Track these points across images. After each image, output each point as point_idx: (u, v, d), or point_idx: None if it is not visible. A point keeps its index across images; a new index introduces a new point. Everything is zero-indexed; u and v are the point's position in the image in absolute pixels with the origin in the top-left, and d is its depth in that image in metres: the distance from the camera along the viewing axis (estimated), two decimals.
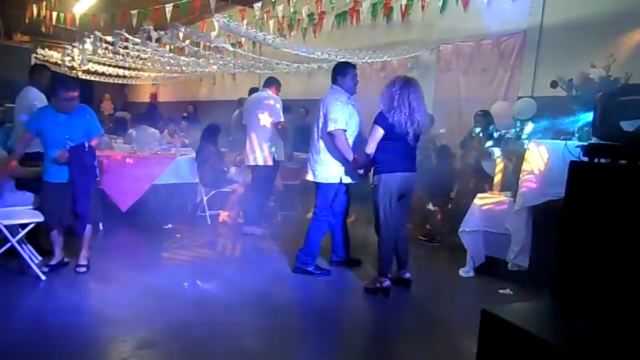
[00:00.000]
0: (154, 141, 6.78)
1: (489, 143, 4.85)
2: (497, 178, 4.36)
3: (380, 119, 3.64)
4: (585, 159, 2.16)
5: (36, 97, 4.95)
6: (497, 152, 4.63)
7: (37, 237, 4.02)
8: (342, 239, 4.38)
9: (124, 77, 11.30)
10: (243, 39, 6.86)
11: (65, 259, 3.93)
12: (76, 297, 3.48)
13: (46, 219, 3.71)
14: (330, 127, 3.86)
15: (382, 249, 3.72)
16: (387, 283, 3.67)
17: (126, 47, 7.09)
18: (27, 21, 9.29)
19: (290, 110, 6.97)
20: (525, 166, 3.77)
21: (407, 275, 3.88)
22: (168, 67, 9.10)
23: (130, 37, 6.15)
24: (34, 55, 10.20)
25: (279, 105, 5.37)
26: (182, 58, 7.97)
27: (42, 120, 3.70)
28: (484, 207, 4.18)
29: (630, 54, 4.61)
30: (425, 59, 7.04)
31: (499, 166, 4.40)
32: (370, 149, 3.68)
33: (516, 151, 4.18)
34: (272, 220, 6.06)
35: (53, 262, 3.83)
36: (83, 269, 3.85)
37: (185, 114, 8.36)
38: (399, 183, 3.67)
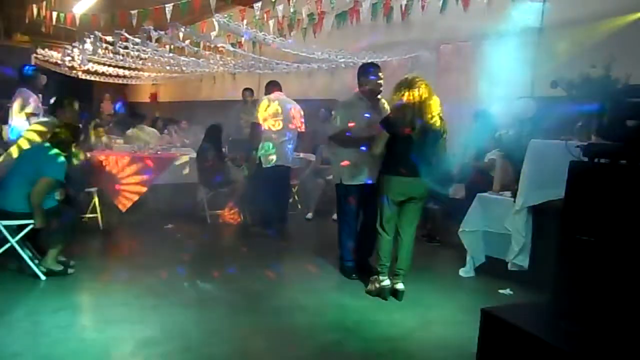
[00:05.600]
0: (153, 141, 6.79)
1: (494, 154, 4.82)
2: (497, 178, 4.35)
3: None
4: (585, 159, 2.16)
5: (29, 98, 4.96)
6: (496, 152, 4.62)
7: (37, 237, 4.01)
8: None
9: (124, 77, 11.27)
10: (243, 38, 6.85)
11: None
12: (76, 297, 3.49)
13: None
14: None
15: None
16: (386, 282, 3.65)
17: (126, 47, 7.09)
18: (27, 21, 9.28)
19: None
20: (525, 166, 3.77)
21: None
22: (168, 67, 9.09)
23: (130, 37, 6.14)
24: (34, 55, 10.18)
25: None
26: (182, 58, 7.97)
27: None
28: (484, 207, 4.18)
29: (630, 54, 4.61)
30: (425, 59, 7.03)
31: (499, 166, 4.40)
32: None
33: (516, 151, 4.17)
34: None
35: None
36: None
37: None
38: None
